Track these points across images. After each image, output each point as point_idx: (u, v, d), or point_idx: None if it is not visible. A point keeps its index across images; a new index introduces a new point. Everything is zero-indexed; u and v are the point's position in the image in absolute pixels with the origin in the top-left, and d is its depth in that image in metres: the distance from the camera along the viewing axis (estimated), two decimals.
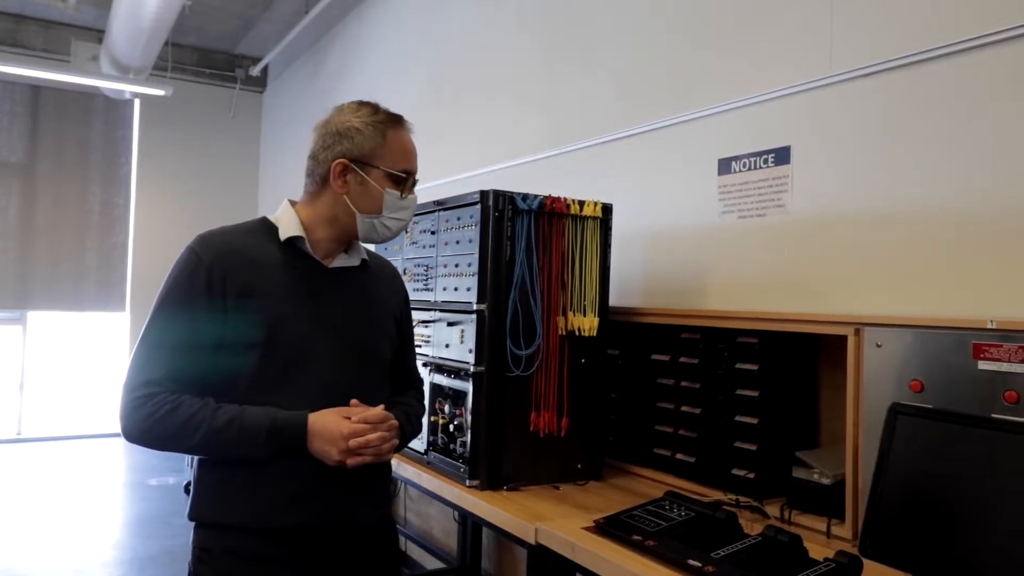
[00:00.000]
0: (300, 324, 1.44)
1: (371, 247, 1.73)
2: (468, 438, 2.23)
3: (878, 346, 1.78)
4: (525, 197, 2.23)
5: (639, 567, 1.59)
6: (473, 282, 2.23)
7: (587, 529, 1.83)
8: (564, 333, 2.30)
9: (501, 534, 2.07)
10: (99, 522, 4.79)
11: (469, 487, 2.21)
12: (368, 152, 1.46)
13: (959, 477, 1.52)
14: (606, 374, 2.43)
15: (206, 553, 1.42)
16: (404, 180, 1.50)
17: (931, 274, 1.91)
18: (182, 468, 6.17)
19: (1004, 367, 1.55)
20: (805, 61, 2.27)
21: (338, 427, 1.37)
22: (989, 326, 1.59)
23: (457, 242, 2.34)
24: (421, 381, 1.83)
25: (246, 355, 1.39)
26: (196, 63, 7.81)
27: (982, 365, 1.59)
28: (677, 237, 2.73)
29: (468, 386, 2.26)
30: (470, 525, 3.38)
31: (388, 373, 1.62)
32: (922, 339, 1.69)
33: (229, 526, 1.40)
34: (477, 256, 2.22)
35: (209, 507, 1.42)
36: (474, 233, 2.24)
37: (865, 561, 1.54)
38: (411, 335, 1.77)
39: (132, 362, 1.39)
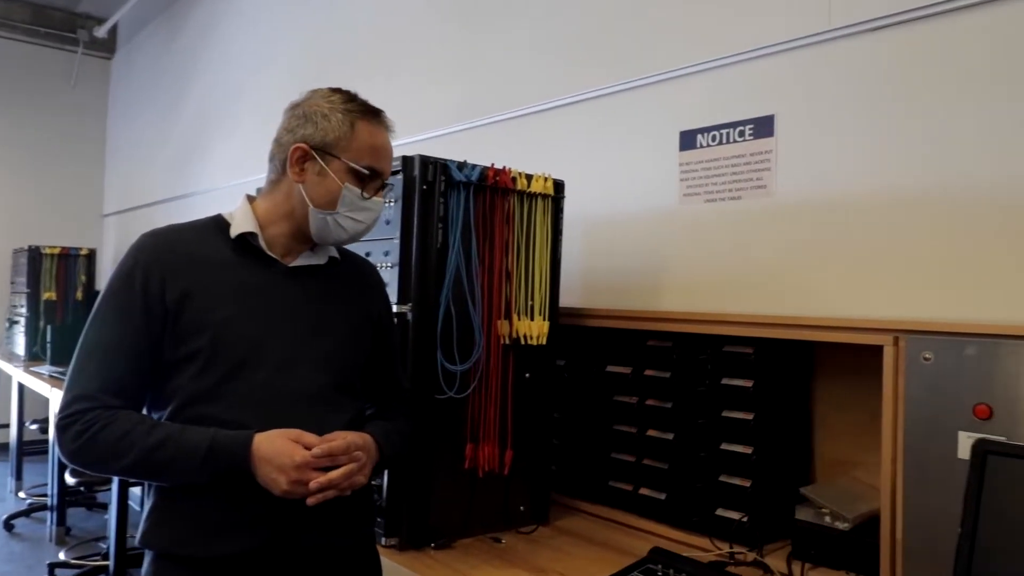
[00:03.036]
0: (247, 327, 1.30)
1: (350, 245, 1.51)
2: (384, 482, 1.70)
3: (926, 360, 1.40)
4: (462, 166, 1.72)
5: None
6: (393, 276, 1.70)
7: None
8: (508, 342, 1.80)
9: None
10: None
11: (386, 547, 1.68)
12: (331, 141, 1.34)
13: None
14: (553, 391, 1.96)
15: None
16: (367, 178, 1.36)
17: (970, 269, 1.56)
18: (3, 496, 5.22)
19: None
20: (796, 12, 1.89)
21: (289, 453, 1.21)
22: None
23: None
24: (409, 393, 1.61)
25: (188, 362, 1.27)
26: (29, 20, 6.71)
27: None
28: (626, 224, 2.30)
29: None
30: None
31: (357, 382, 1.44)
32: (990, 351, 1.33)
33: (172, 555, 1.28)
34: (399, 243, 1.69)
35: (153, 534, 1.30)
36: (394, 212, 1.71)
37: None
38: (395, 343, 1.57)
39: (67, 377, 1.27)
